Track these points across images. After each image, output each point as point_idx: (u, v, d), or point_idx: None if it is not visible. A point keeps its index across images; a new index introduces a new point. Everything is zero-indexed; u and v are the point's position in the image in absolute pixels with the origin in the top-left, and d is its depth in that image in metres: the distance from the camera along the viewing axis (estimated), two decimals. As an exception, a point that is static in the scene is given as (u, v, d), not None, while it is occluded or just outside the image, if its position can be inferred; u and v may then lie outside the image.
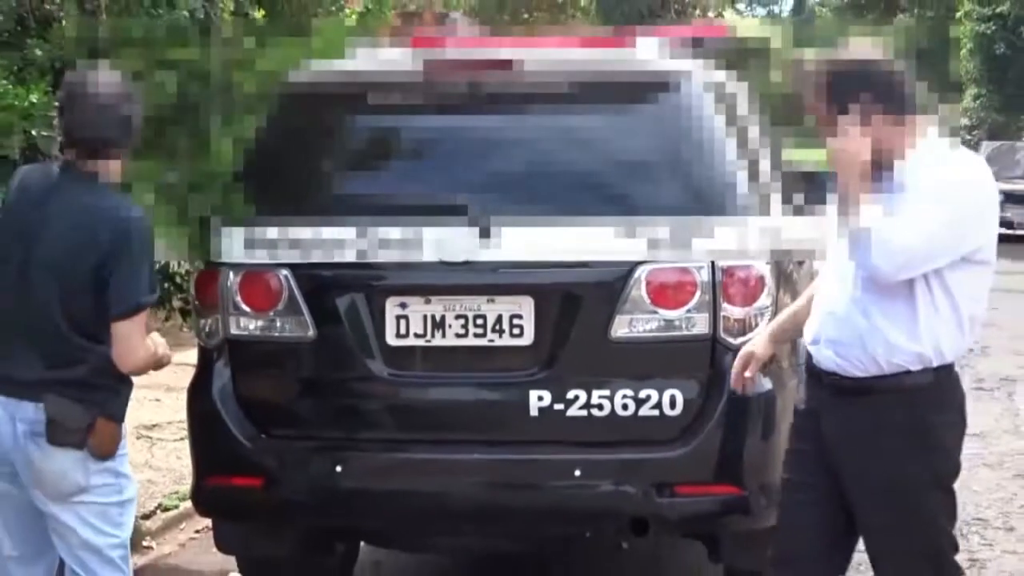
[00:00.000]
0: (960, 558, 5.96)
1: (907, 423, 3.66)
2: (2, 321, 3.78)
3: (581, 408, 4.48)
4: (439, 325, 4.55)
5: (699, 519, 4.58)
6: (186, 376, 9.56)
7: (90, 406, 3.77)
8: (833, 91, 3.59)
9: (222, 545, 5.28)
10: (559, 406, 4.48)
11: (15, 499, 3.86)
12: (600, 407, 4.46)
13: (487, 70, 4.70)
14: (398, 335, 4.57)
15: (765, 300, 4.51)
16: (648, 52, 4.92)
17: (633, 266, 4.43)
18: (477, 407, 4.65)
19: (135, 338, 3.77)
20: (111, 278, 3.69)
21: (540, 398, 4.49)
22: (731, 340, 4.47)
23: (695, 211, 4.48)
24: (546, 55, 4.91)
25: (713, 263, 4.43)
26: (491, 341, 4.55)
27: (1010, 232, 21.69)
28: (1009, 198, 22.60)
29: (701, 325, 4.47)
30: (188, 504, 6.73)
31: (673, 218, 4.43)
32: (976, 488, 7.30)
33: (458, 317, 4.55)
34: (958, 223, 3.54)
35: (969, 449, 7.95)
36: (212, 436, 4.82)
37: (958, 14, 28.15)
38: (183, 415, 8.32)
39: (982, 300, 3.71)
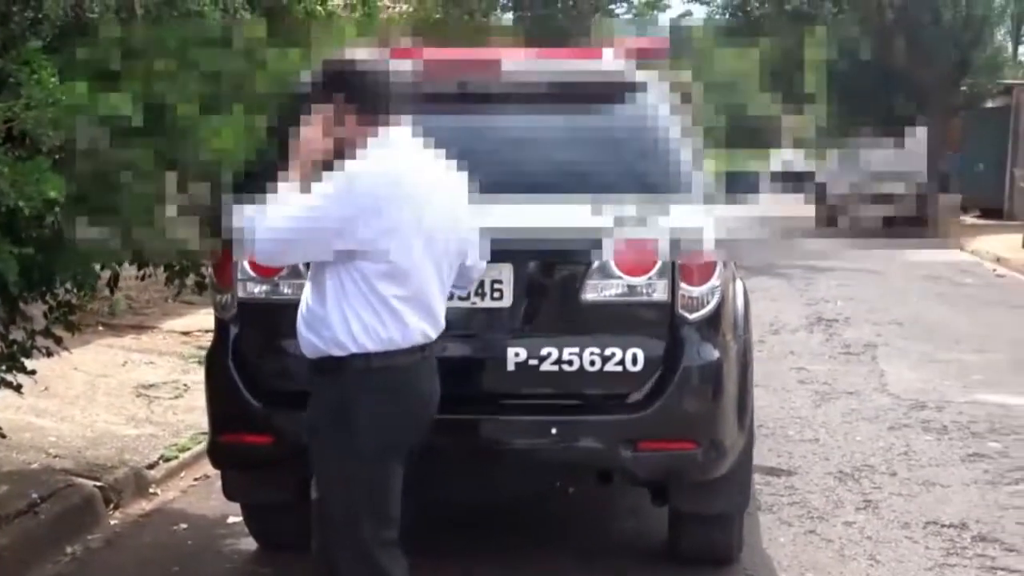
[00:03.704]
0: (855, 499, 6.08)
1: (334, 402, 3.49)
2: None
3: (553, 363, 4.31)
4: None
5: (658, 471, 4.45)
6: (174, 342, 9.44)
7: None
8: (325, 85, 3.48)
9: (230, 494, 5.05)
10: (533, 361, 4.31)
11: None
12: (570, 363, 4.29)
13: (479, 72, 4.56)
14: None
15: (716, 280, 4.40)
16: (613, 61, 4.81)
17: (601, 237, 4.26)
18: (461, 362, 4.38)
19: None
20: None
21: (517, 354, 4.32)
22: (688, 315, 4.35)
23: (654, 193, 4.35)
24: (530, 62, 4.79)
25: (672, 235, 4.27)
26: (473, 304, 4.35)
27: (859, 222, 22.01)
28: (856, 194, 22.94)
29: (660, 291, 4.33)
30: (187, 455, 6.54)
31: (636, 197, 4.29)
32: (859, 439, 7.30)
33: None
34: (334, 216, 3.33)
35: (847, 405, 8.13)
36: (227, 398, 4.55)
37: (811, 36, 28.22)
38: (176, 376, 8.21)
39: (404, 296, 3.43)
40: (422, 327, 3.50)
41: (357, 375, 3.45)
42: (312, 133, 3.47)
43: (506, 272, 4.35)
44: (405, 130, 3.55)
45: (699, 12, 35.66)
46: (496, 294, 4.35)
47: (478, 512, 5.59)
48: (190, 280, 5.33)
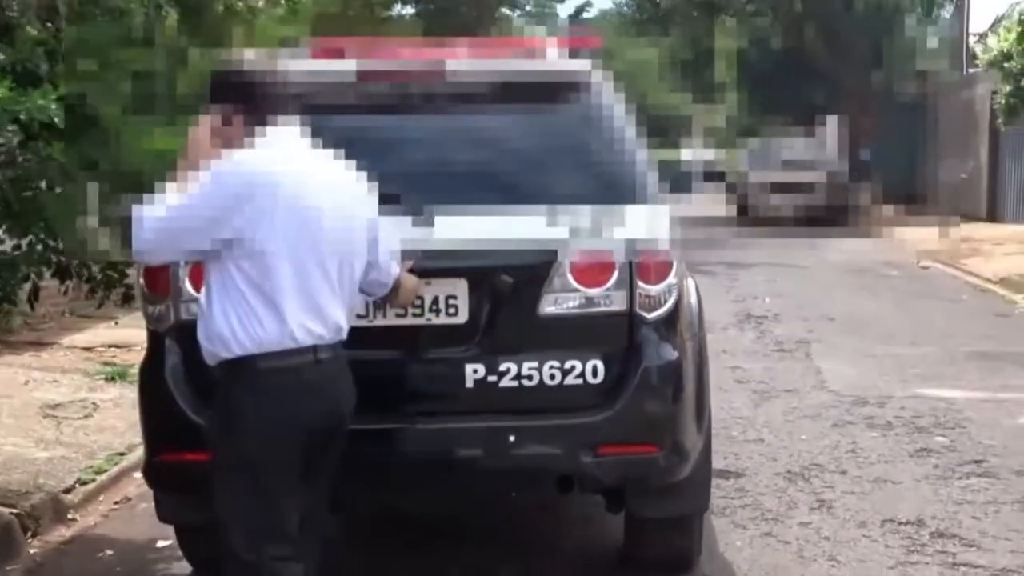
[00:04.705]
0: (808, 499, 6.08)
1: (224, 407, 3.57)
2: None
3: (512, 379, 4.24)
4: (379, 306, 4.22)
5: (619, 475, 4.38)
6: (77, 358, 9.14)
7: None
8: (213, 90, 3.60)
9: (163, 515, 4.84)
10: (492, 378, 4.24)
11: None
12: (530, 377, 4.23)
13: (418, 75, 4.45)
14: None
15: (672, 278, 4.36)
16: (556, 56, 4.74)
17: (558, 249, 4.22)
18: (416, 382, 4.34)
19: None
20: None
21: (475, 371, 4.25)
22: (646, 315, 4.30)
23: (610, 199, 4.30)
24: (469, 61, 4.65)
25: (629, 245, 4.24)
26: (428, 320, 4.28)
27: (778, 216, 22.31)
28: (773, 187, 23.23)
29: (619, 302, 4.28)
30: (104, 477, 6.34)
31: (592, 206, 4.24)
32: (804, 437, 7.31)
33: None
34: (202, 209, 3.43)
35: (788, 404, 8.15)
36: (164, 415, 4.38)
37: (722, 27, 28.44)
38: (82, 394, 7.94)
39: (283, 289, 3.46)
40: (304, 323, 3.49)
41: (245, 377, 3.48)
42: (200, 136, 3.57)
43: (461, 287, 4.27)
44: (291, 131, 3.59)
45: (607, 4, 35.75)
46: (451, 310, 4.27)
47: (423, 523, 5.47)
48: (114, 295, 5.13)
